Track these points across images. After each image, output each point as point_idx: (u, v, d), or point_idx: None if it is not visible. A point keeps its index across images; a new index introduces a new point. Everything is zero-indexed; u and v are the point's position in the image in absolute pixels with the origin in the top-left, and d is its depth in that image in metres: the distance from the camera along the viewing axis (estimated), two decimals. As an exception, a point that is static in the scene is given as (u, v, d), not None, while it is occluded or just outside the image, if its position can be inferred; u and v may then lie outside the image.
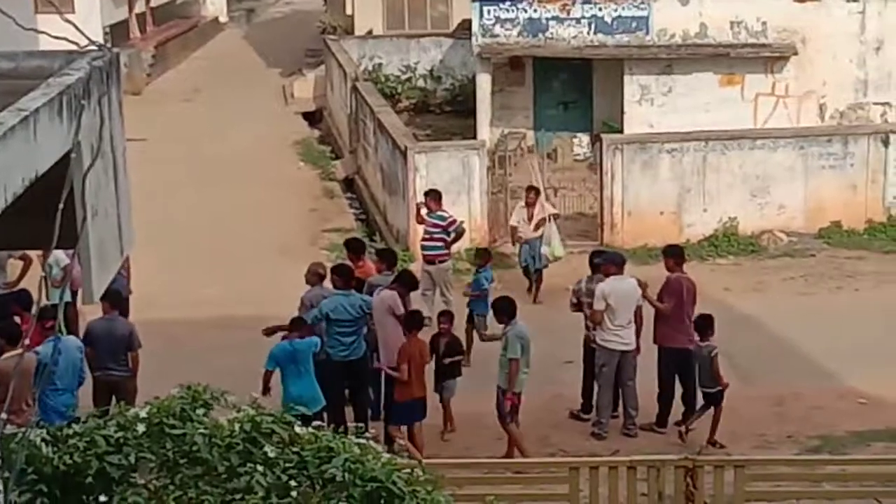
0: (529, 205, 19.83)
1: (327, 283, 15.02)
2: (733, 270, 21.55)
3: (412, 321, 14.23)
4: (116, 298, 14.26)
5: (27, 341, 11.53)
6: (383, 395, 14.68)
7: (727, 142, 22.83)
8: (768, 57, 26.81)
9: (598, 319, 14.84)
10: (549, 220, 19.84)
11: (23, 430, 5.89)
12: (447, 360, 14.83)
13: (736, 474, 11.63)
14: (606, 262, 15.24)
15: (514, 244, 20.52)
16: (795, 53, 26.71)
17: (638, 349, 15.03)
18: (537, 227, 19.68)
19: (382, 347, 14.55)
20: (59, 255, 15.13)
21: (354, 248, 16.65)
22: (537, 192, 20.10)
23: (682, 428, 14.82)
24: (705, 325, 14.82)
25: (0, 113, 5.42)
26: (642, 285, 15.09)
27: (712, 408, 14.76)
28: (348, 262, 16.00)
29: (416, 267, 19.90)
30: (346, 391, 14.67)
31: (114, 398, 13.41)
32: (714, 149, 22.68)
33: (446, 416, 14.91)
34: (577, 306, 15.48)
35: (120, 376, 14.08)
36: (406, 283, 15.10)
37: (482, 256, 17.97)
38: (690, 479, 11.45)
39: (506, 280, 19.93)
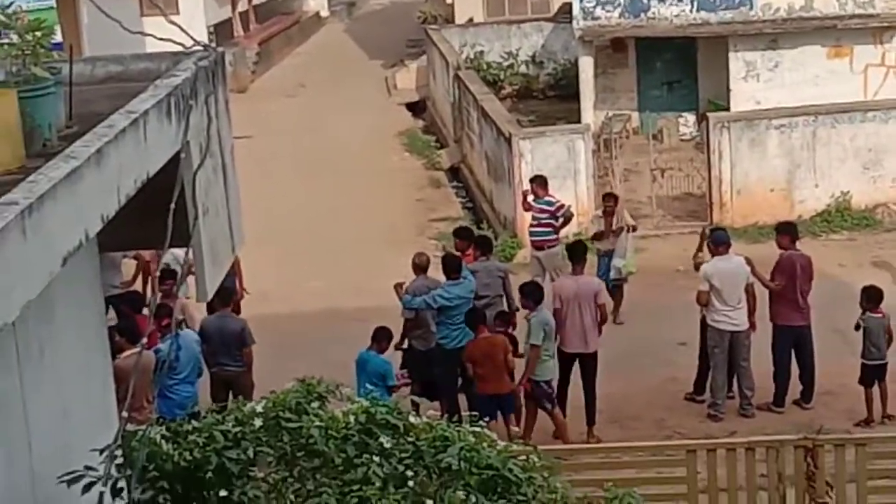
0: (608, 214, 18.21)
1: (430, 274, 15.10)
2: (848, 245, 21.19)
3: (476, 317, 14.07)
4: (227, 296, 14.47)
5: (145, 340, 11.72)
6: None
7: (837, 115, 22.44)
8: (876, 27, 26.30)
9: (704, 301, 14.67)
10: (627, 230, 18.10)
11: (144, 427, 5.98)
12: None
13: (857, 452, 11.45)
14: (710, 242, 15.07)
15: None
16: (905, 22, 26.17)
17: (753, 327, 14.84)
18: (615, 235, 17.97)
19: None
20: (178, 254, 15.38)
21: (463, 236, 16.69)
22: (616, 199, 18.66)
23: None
24: (874, 296, 14.61)
25: (110, 116, 5.51)
26: (749, 263, 14.89)
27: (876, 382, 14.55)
28: (455, 252, 16.04)
29: (525, 253, 19.88)
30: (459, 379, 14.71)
31: (231, 393, 13.65)
32: (824, 123, 22.30)
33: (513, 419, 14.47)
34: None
35: (235, 371, 14.30)
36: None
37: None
38: (811, 458, 11.28)
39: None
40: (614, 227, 17.97)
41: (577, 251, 15.21)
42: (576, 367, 14.66)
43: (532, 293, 14.37)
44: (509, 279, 15.76)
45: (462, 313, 14.38)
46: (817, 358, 15.08)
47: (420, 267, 15.12)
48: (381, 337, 13.91)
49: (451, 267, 14.93)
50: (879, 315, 14.61)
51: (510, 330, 14.61)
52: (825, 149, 22.21)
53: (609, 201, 18.40)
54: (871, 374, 14.58)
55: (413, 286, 14.86)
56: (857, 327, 14.78)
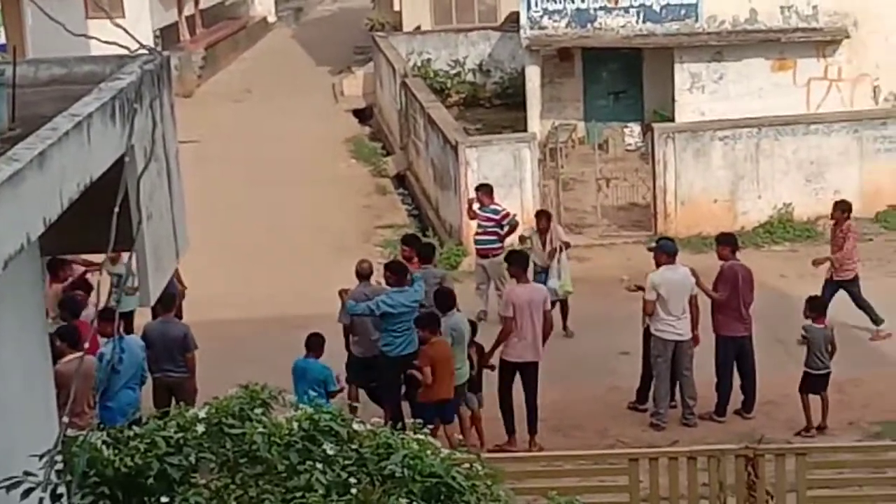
0: (542, 231, 17.82)
1: (373, 281, 15.11)
2: (789, 257, 21.38)
3: (433, 322, 13.94)
4: (170, 301, 14.39)
5: (87, 345, 11.64)
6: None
7: (780, 127, 22.65)
8: (820, 41, 26.58)
9: (650, 310, 14.75)
10: (560, 250, 17.56)
11: (84, 432, 5.93)
12: (487, 366, 14.58)
13: (797, 462, 11.54)
14: (658, 252, 15.16)
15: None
16: (847, 36, 26.46)
17: (696, 339, 14.94)
18: (550, 256, 17.53)
19: None
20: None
21: (410, 243, 16.68)
22: (549, 217, 18.28)
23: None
24: (818, 306, 14.84)
25: (54, 118, 5.46)
26: (694, 274, 15.00)
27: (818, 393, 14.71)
28: (401, 259, 16.03)
29: (470, 261, 19.91)
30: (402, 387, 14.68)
31: (174, 399, 13.56)
32: (767, 135, 22.50)
33: (469, 428, 14.51)
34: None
35: (178, 377, 14.22)
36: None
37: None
38: (752, 468, 11.36)
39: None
40: (547, 249, 17.58)
41: (520, 259, 15.20)
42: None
43: (442, 300, 14.33)
44: (446, 285, 15.66)
45: (407, 321, 14.36)
46: (759, 368, 15.19)
47: (362, 274, 15.11)
48: (314, 344, 13.81)
49: (396, 273, 14.91)
50: (822, 325, 14.75)
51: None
52: (768, 161, 22.41)
53: (542, 220, 17.99)
54: (814, 384, 14.72)
55: (354, 293, 14.85)
56: (802, 339, 14.92)
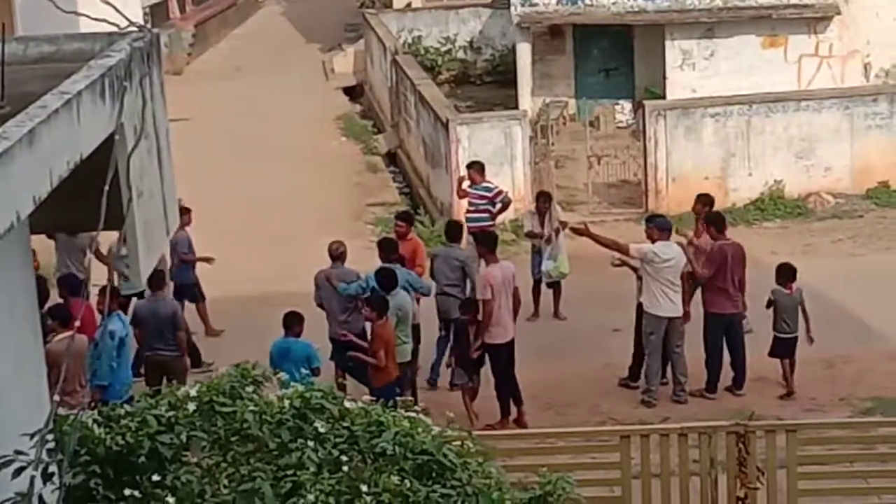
0: (541, 213, 17.62)
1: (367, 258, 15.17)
2: (780, 234, 21.41)
3: (384, 305, 13.83)
4: (160, 280, 14.39)
5: (78, 323, 11.63)
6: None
7: (771, 104, 22.64)
8: (811, 17, 26.55)
9: (624, 251, 14.81)
10: (558, 231, 17.42)
11: (76, 411, 5.92)
12: (476, 353, 14.41)
13: (788, 439, 11.57)
14: (651, 228, 15.16)
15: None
16: (838, 13, 26.43)
17: (687, 316, 14.96)
18: (549, 239, 17.38)
19: None
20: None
21: (405, 219, 16.66)
22: (550, 198, 18.12)
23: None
24: (787, 272, 15.00)
25: (43, 96, 5.44)
26: (685, 249, 15.01)
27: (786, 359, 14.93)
28: (392, 237, 16.03)
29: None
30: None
31: (164, 378, 13.57)
32: (758, 112, 22.50)
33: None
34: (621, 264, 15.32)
35: (168, 356, 14.23)
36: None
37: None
38: (742, 444, 11.39)
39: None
40: (546, 230, 17.39)
41: (490, 240, 15.18)
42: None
43: (387, 280, 14.27)
44: (472, 267, 15.61)
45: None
46: (749, 345, 15.23)
47: (334, 255, 15.09)
48: (293, 322, 13.71)
49: (388, 250, 14.96)
50: (789, 292, 14.85)
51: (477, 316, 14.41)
52: (759, 138, 22.41)
53: (543, 200, 17.92)
54: (782, 348, 14.87)
55: (319, 276, 14.90)
56: (769, 304, 15.02)
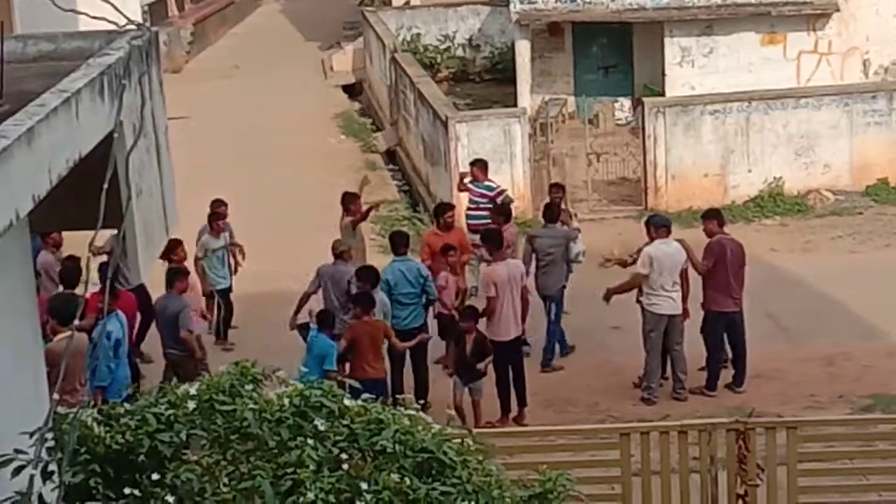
0: (555, 204, 17.28)
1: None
2: (780, 231, 21.41)
3: (362, 302, 13.83)
4: (172, 277, 14.37)
5: (77, 322, 11.61)
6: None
7: (770, 101, 22.64)
8: (810, 14, 26.53)
9: (638, 283, 14.74)
10: (576, 214, 17.85)
11: (75, 410, 5.91)
12: (478, 363, 14.26)
13: (788, 436, 11.57)
14: (651, 226, 15.16)
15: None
16: (837, 10, 26.42)
17: (686, 313, 14.96)
18: (568, 226, 17.14)
19: None
20: (205, 238, 16.35)
21: (452, 207, 16.98)
22: (563, 189, 18.08)
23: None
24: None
25: (42, 94, 5.44)
26: (685, 247, 15.00)
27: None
28: (402, 231, 16.12)
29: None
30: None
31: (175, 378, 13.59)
32: (757, 109, 22.50)
33: (477, 416, 14.30)
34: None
35: (175, 355, 14.13)
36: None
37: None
38: (742, 441, 11.39)
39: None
40: (563, 218, 17.16)
41: (495, 238, 15.22)
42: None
43: (368, 276, 14.28)
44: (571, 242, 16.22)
45: (410, 293, 14.45)
46: (749, 342, 15.22)
47: (336, 253, 15.22)
48: (322, 320, 13.77)
49: (399, 243, 15.07)
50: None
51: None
52: (758, 135, 22.41)
53: (557, 191, 17.80)
54: None
55: (327, 270, 15.04)
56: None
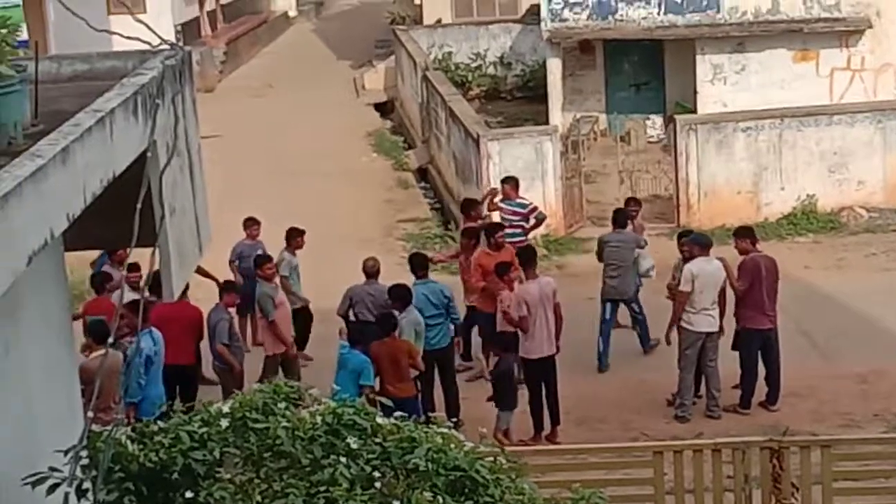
0: (632, 219, 17.24)
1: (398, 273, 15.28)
2: (813, 248, 21.30)
3: (382, 323, 13.88)
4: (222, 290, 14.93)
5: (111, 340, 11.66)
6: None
7: (803, 118, 22.55)
8: (843, 31, 26.44)
9: (684, 300, 14.64)
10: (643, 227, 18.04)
11: (109, 428, 5.94)
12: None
13: (823, 454, 11.50)
14: (692, 244, 15.09)
15: None
16: (870, 26, 26.32)
17: (722, 330, 14.89)
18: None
19: None
20: (288, 257, 16.67)
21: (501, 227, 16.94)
22: (640, 203, 18.42)
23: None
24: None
25: (77, 114, 5.47)
26: (725, 265, 14.93)
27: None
28: (422, 252, 16.10)
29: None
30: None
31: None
32: (790, 126, 22.41)
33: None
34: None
35: (217, 367, 14.52)
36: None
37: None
38: (777, 460, 11.33)
39: (574, 265, 19.81)
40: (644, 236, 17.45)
41: (529, 255, 15.23)
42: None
43: (400, 296, 14.31)
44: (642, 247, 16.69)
45: (435, 314, 14.45)
46: (783, 360, 15.13)
47: (368, 272, 15.28)
48: (354, 335, 13.80)
49: (415, 267, 15.07)
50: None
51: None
52: (791, 152, 22.32)
53: (634, 205, 17.88)
54: None
55: (358, 290, 15.09)
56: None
